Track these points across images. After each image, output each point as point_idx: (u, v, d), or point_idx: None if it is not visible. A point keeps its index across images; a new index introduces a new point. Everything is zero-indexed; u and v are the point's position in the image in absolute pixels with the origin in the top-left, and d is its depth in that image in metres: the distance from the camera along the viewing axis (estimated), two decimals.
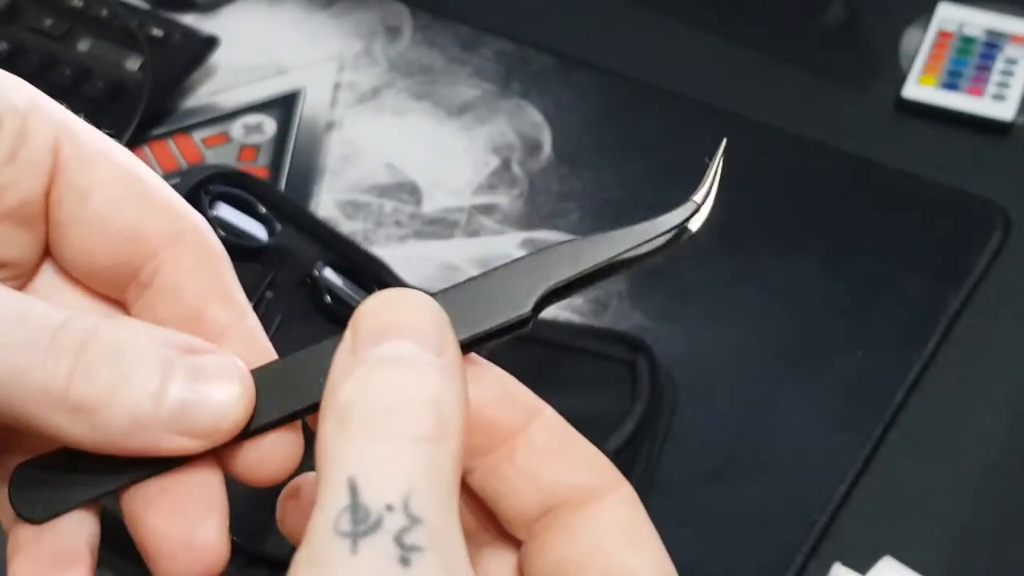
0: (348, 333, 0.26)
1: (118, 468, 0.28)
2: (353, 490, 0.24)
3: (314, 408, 0.27)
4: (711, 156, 0.29)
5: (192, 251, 0.29)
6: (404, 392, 0.25)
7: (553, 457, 0.28)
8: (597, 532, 0.28)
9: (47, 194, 0.29)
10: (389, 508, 0.24)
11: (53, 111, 0.29)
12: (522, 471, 0.28)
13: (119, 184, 0.29)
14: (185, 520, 0.28)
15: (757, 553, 0.60)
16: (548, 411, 0.29)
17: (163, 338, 0.28)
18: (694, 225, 0.29)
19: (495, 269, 0.28)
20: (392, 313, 0.26)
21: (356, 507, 0.24)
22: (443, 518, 0.24)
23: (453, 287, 0.28)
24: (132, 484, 0.28)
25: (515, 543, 0.29)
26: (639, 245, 0.28)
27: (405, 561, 0.23)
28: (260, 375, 0.28)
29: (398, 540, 0.23)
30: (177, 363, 0.27)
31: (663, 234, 0.28)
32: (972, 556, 0.61)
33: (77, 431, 0.27)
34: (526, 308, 0.28)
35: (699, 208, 0.28)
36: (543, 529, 0.28)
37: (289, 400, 0.28)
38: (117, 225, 0.29)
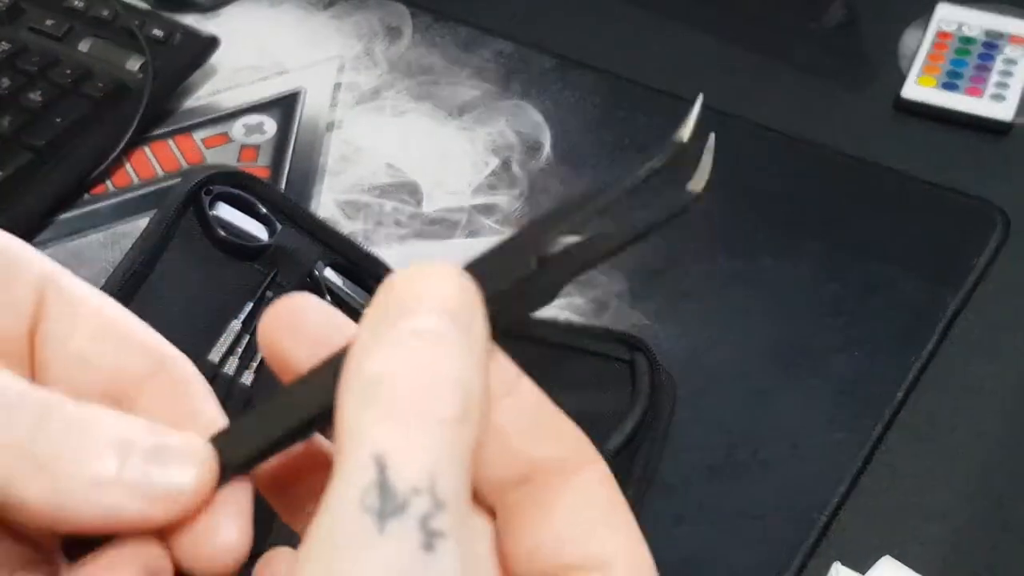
0: (378, 300, 0.26)
1: None
2: (381, 468, 0.24)
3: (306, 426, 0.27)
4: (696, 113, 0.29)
5: (170, 383, 0.30)
6: (433, 371, 0.25)
7: (529, 427, 0.28)
8: (571, 515, 0.27)
9: (32, 335, 0.30)
10: (416, 491, 0.24)
11: (38, 261, 0.30)
12: (498, 439, 0.27)
13: (99, 327, 0.30)
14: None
15: (757, 552, 0.60)
16: (526, 381, 0.28)
17: (127, 422, 0.28)
18: (698, 185, 0.28)
19: (502, 238, 0.28)
20: (425, 285, 0.26)
21: (384, 485, 0.23)
22: (461, 505, 0.24)
23: (475, 257, 0.28)
24: None
25: (489, 512, 0.29)
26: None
27: (428, 547, 0.23)
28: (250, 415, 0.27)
29: (423, 525, 0.23)
30: (138, 440, 0.27)
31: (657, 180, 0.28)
32: (971, 556, 0.61)
33: (37, 489, 0.26)
34: (532, 267, 0.28)
35: (685, 148, 0.28)
36: (516, 505, 0.28)
37: (287, 413, 0.27)
38: (97, 364, 0.30)
